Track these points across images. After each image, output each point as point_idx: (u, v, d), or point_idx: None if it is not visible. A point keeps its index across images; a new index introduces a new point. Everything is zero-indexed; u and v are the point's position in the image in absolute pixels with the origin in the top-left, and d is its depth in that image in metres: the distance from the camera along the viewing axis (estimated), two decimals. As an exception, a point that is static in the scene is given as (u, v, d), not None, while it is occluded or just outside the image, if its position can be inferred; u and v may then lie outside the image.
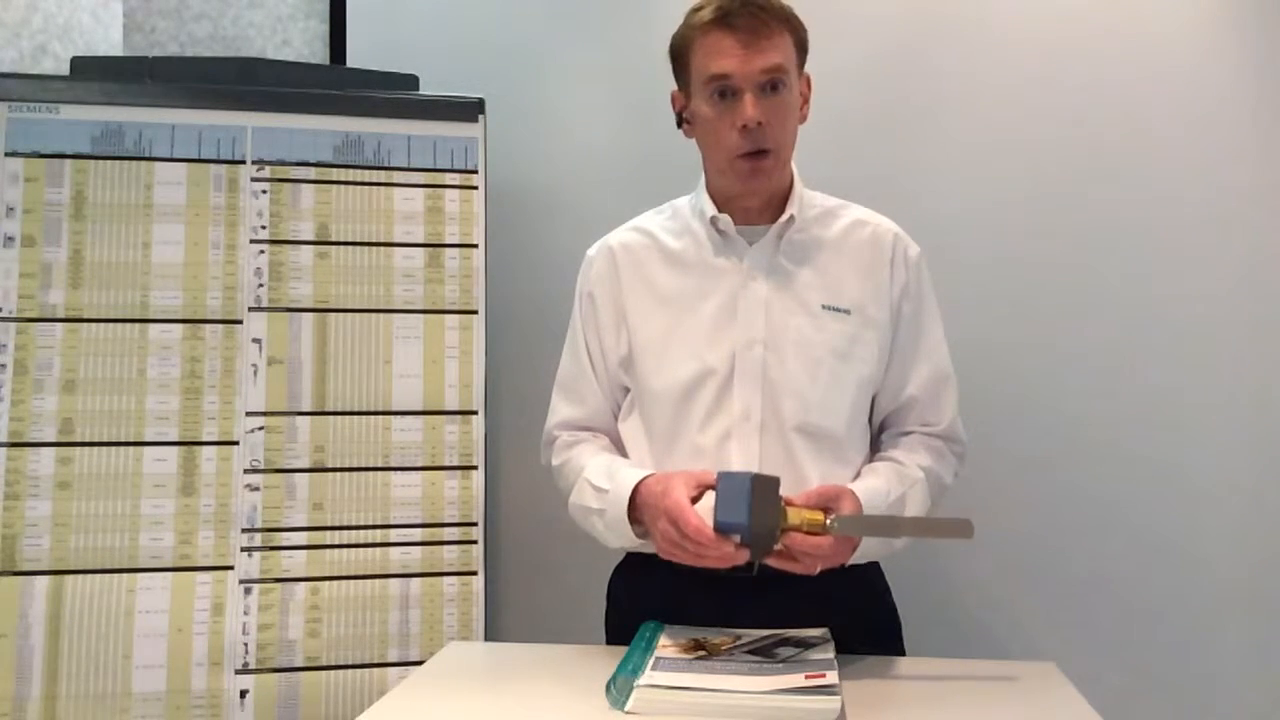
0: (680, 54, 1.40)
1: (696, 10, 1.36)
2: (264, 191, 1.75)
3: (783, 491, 1.20)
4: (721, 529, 1.17)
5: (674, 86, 1.44)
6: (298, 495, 1.69)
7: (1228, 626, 1.90)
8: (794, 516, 1.19)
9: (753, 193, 1.39)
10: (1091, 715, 1.08)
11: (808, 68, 1.42)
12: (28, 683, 1.56)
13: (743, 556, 1.18)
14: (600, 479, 1.35)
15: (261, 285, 1.73)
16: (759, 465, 1.31)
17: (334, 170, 1.78)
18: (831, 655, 1.18)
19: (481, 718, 1.14)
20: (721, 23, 1.32)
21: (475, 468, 1.76)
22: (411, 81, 1.87)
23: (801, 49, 1.38)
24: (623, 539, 1.33)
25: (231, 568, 1.65)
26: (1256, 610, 1.90)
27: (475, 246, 1.82)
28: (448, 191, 1.82)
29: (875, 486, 1.31)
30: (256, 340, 1.71)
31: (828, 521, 1.20)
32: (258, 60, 1.98)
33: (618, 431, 1.46)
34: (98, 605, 1.59)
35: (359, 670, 1.66)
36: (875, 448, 1.45)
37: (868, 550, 1.30)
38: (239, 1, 2.18)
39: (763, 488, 1.17)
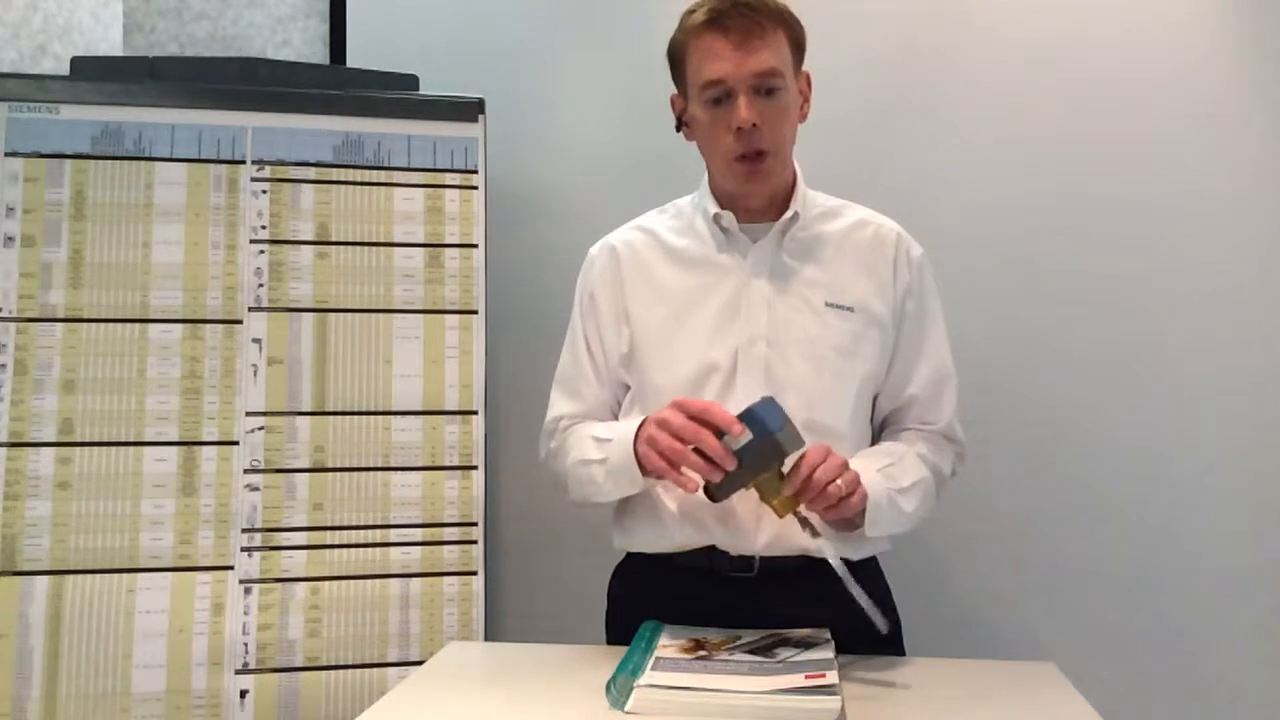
0: (676, 58, 1.40)
1: (690, 13, 1.36)
2: (264, 191, 1.75)
3: None
4: (754, 421, 1.18)
5: (673, 88, 1.44)
6: (298, 495, 1.69)
7: (1228, 626, 1.90)
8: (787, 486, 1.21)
9: (753, 195, 1.40)
10: (1091, 715, 1.08)
11: (809, 66, 1.42)
12: (28, 683, 1.56)
13: (729, 462, 1.19)
14: (603, 432, 1.38)
15: (261, 285, 1.73)
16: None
17: (334, 170, 1.78)
18: (831, 655, 1.18)
19: (481, 718, 1.14)
20: (714, 24, 1.32)
21: (475, 468, 1.76)
22: (411, 81, 1.87)
23: (797, 48, 1.38)
24: (622, 483, 1.32)
25: (231, 568, 1.65)
26: (1257, 610, 1.90)
27: (475, 246, 1.82)
28: (448, 191, 1.82)
29: (870, 454, 1.36)
30: (256, 340, 1.71)
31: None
32: (258, 60, 1.97)
33: None
34: (98, 605, 1.59)
35: (359, 670, 1.66)
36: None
37: (879, 516, 1.30)
38: (239, 1, 2.18)
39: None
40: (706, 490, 1.23)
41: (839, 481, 1.22)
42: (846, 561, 1.34)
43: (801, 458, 1.22)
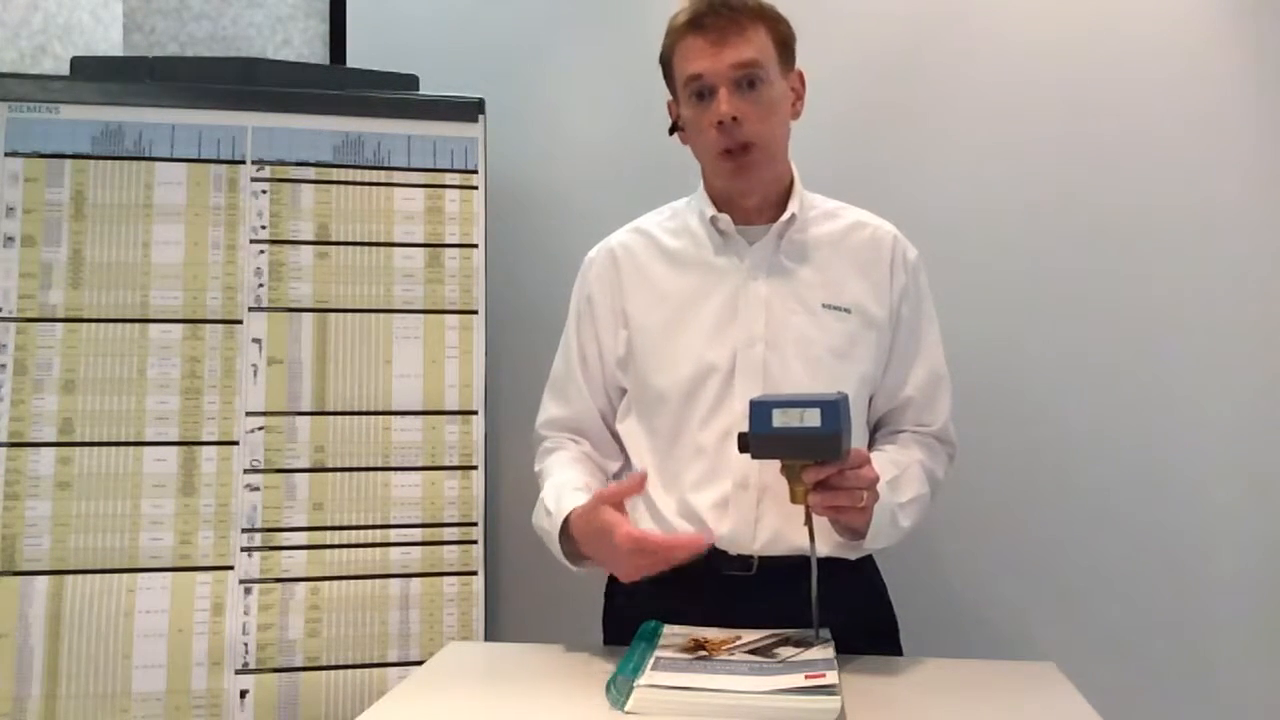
0: (665, 61, 1.42)
1: (674, 17, 1.38)
2: (264, 191, 1.75)
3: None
4: (827, 412, 1.15)
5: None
6: (298, 495, 1.69)
7: (1228, 626, 1.90)
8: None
9: (743, 191, 1.40)
10: (1091, 715, 1.08)
11: (806, 67, 1.42)
12: (28, 683, 1.56)
13: (699, 543, 1.19)
14: (551, 499, 1.35)
15: (261, 285, 1.73)
16: (760, 463, 1.31)
17: (334, 170, 1.78)
18: (831, 655, 1.18)
19: (481, 718, 1.14)
20: (693, 25, 1.35)
21: (475, 468, 1.76)
22: (411, 81, 1.87)
23: (782, 44, 1.38)
24: (565, 562, 1.34)
25: (231, 568, 1.65)
26: (1257, 609, 1.90)
27: (475, 246, 1.82)
28: (448, 191, 1.82)
29: (878, 462, 1.30)
30: (256, 340, 1.71)
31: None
32: (258, 60, 1.97)
33: (602, 432, 1.47)
34: (98, 605, 1.59)
35: (359, 670, 1.66)
36: (870, 448, 1.45)
37: (879, 530, 1.29)
38: (239, 1, 2.18)
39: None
40: (741, 440, 1.21)
41: (864, 493, 1.21)
42: (844, 560, 1.35)
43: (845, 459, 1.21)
